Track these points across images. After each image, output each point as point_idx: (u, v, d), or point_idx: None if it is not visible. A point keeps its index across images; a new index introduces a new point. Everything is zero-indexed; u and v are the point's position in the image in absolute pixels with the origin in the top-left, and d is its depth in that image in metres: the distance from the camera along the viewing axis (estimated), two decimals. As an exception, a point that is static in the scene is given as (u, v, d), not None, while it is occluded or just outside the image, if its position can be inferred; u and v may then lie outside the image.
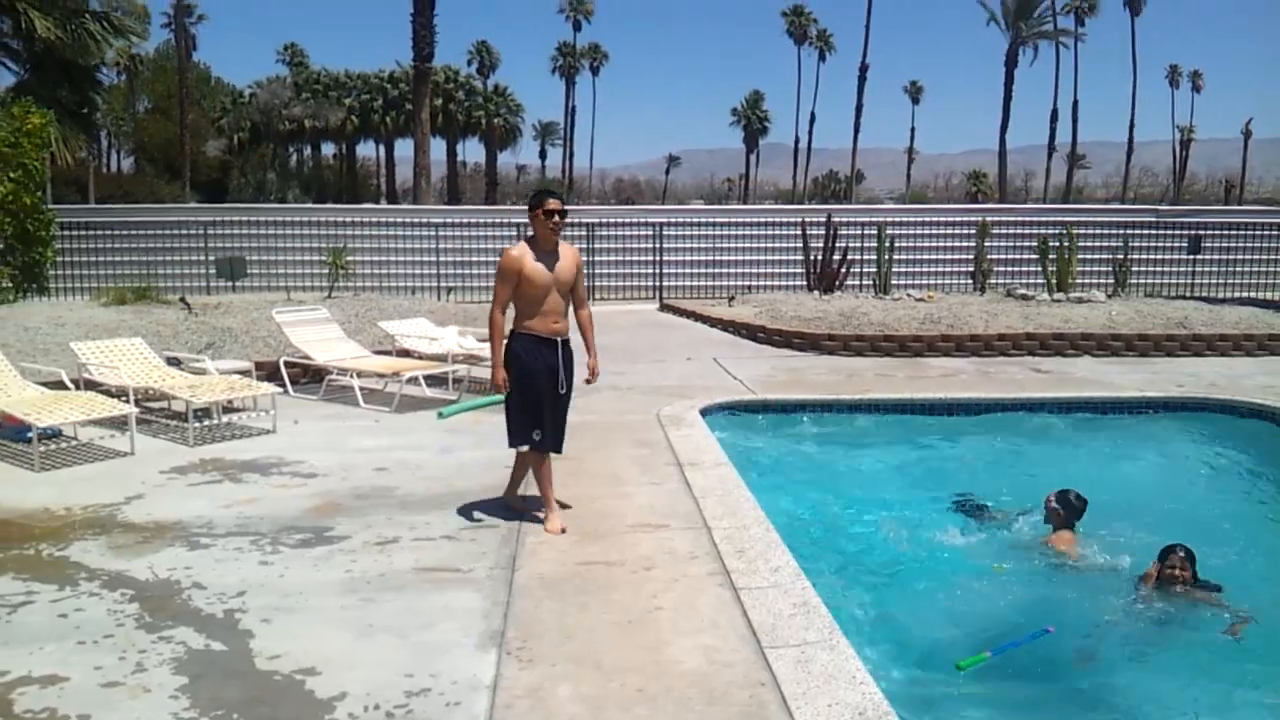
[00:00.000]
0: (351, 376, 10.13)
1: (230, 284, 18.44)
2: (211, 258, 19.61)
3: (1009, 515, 7.44)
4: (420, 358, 10.88)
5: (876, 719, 3.77)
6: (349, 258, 17.77)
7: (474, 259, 20.39)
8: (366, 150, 75.96)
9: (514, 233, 20.04)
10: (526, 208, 6.20)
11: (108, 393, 8.82)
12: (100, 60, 24.35)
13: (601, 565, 5.44)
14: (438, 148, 64.80)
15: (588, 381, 6.52)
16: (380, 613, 4.83)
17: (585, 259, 20.60)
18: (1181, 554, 5.99)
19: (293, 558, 5.59)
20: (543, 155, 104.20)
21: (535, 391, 6.05)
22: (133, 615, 4.80)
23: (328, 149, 74.21)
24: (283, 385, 10.21)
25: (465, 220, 21.21)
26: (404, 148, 60.31)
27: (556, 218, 5.99)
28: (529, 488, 6.44)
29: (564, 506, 6.33)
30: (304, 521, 6.24)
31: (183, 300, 14.82)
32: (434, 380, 10.71)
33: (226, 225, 20.65)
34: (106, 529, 6.11)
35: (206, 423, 9.02)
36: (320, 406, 9.87)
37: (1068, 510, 6.86)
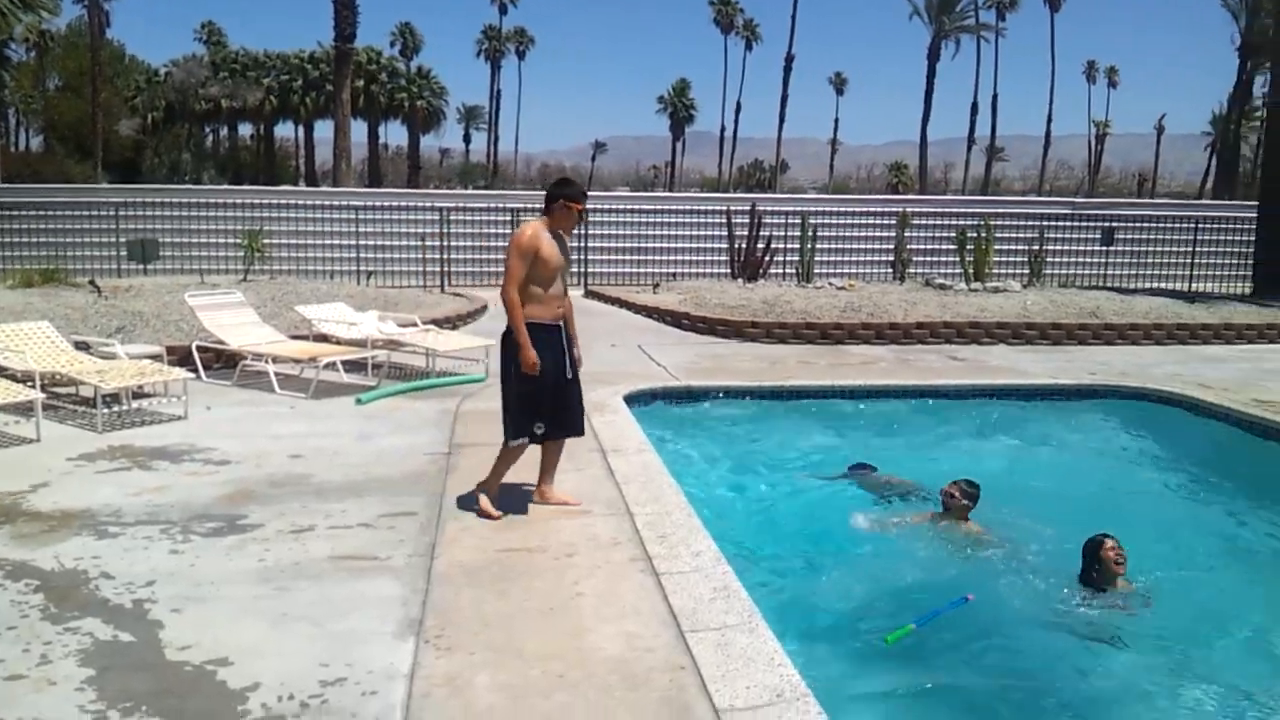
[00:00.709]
0: (267, 362, 9.91)
1: (142, 267, 17.96)
2: (123, 239, 19.07)
3: (911, 489, 7.61)
4: (338, 343, 10.69)
5: (794, 699, 3.80)
6: (265, 240, 17.40)
7: (395, 243, 20.11)
8: (285, 131, 74.55)
9: (436, 216, 19.79)
10: (551, 193, 6.05)
11: (13, 378, 8.51)
12: (8, 36, 23.53)
13: (523, 552, 5.40)
14: (359, 130, 63.89)
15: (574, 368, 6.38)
16: (295, 602, 4.73)
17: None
18: (1109, 543, 5.98)
19: (204, 546, 5.45)
20: (467, 139, 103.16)
21: (541, 383, 5.89)
22: (37, 606, 4.64)
23: (245, 130, 72.61)
24: (195, 370, 9.96)
25: (386, 204, 20.92)
26: (324, 129, 59.29)
27: (581, 215, 6.01)
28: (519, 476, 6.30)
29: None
30: (216, 509, 6.09)
31: (92, 283, 14.37)
32: (353, 366, 10.54)
33: (139, 206, 20.08)
34: (10, 518, 5.89)
35: (116, 409, 8.76)
36: (234, 392, 9.65)
37: (966, 497, 6.93)
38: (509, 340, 5.92)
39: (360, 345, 10.48)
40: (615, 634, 4.40)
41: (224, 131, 71.01)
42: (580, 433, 6.30)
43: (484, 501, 6.08)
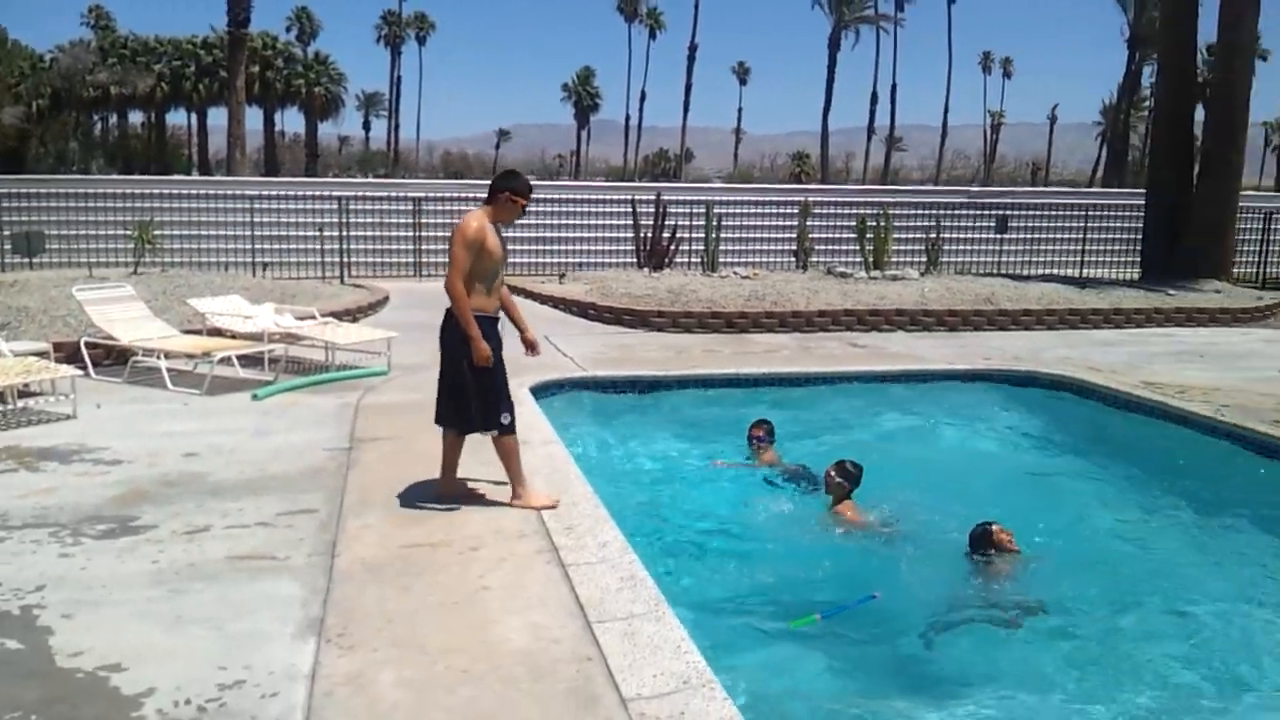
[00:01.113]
0: (159, 357, 9.62)
1: (27, 260, 17.23)
2: (6, 232, 18.26)
3: (802, 474, 7.79)
4: (234, 337, 10.42)
5: (700, 685, 3.84)
6: (157, 232, 16.85)
7: (292, 233, 19.65)
8: (177, 119, 72.41)
9: (335, 206, 19.40)
10: (495, 185, 5.97)
11: (-117, 377, 8.11)
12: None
13: (426, 547, 5.34)
14: (254, 117, 62.36)
15: (533, 354, 6.34)
16: (191, 604, 4.61)
17: (412, 234, 20.22)
18: (995, 527, 6.13)
19: (95, 549, 5.27)
20: (366, 126, 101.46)
21: (497, 371, 5.90)
22: (-86, 616, 4.44)
23: (135, 117, 70.19)
24: (84, 367, 9.60)
25: (283, 193, 20.41)
26: (218, 117, 57.72)
27: (523, 210, 5.99)
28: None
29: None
30: (107, 511, 5.89)
31: (-29, 277, 13.76)
32: (249, 361, 10.27)
33: (23, 198, 19.25)
34: (-119, 525, 5.62)
35: (1, 408, 8.41)
36: (125, 389, 9.34)
37: (847, 479, 7.01)
38: (454, 331, 5.86)
39: (256, 339, 10.23)
40: (521, 626, 4.39)
41: (113, 119, 68.60)
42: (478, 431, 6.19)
43: (531, 500, 5.97)
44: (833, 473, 7.05)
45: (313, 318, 11.37)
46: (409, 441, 7.47)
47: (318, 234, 18.73)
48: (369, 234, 20.21)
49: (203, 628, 4.37)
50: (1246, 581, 6.28)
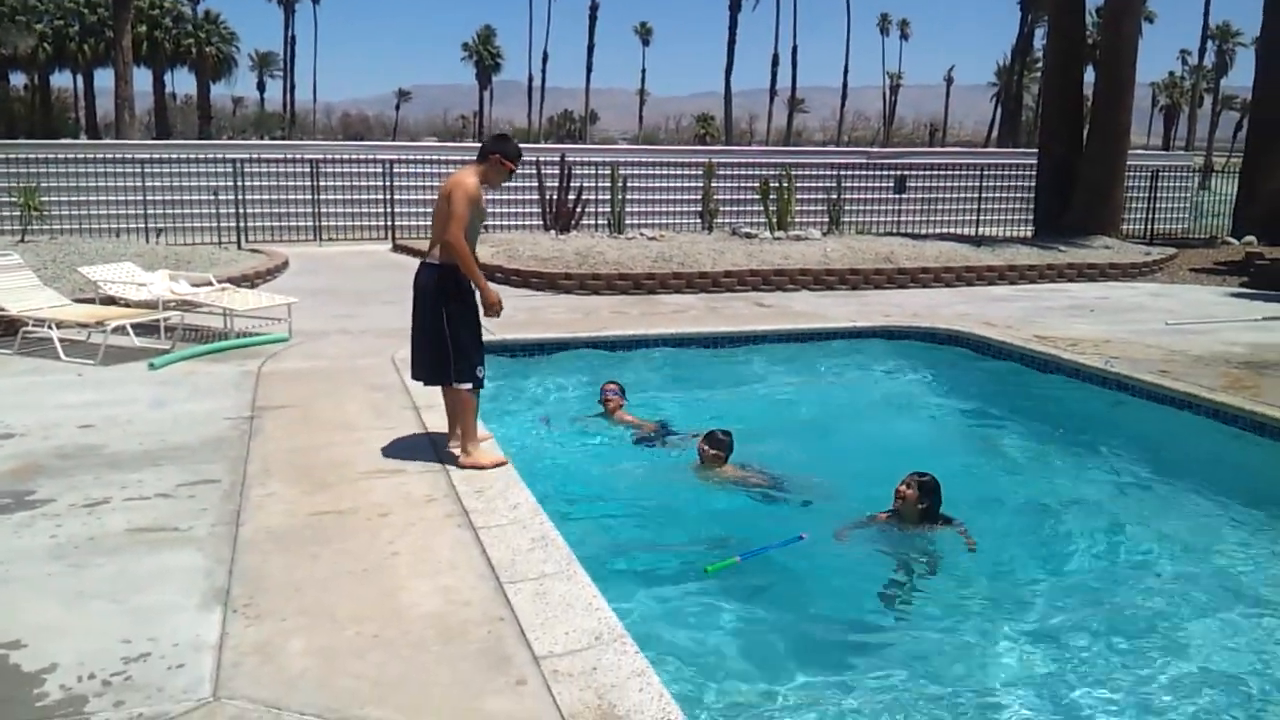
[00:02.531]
0: (50, 327, 9.28)
1: (-100, 227, 16.44)
2: (-125, 198, 17.38)
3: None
4: (127, 305, 10.10)
5: (611, 640, 3.90)
6: (43, 198, 16.21)
7: (186, 198, 19.06)
8: (62, 81, 69.58)
9: (229, 169, 18.85)
10: (486, 147, 6.06)
11: None
12: None
13: (333, 514, 5.29)
14: (143, 78, 60.23)
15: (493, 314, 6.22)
16: (91, 578, 4.51)
17: (310, 198, 19.78)
18: (917, 479, 6.09)
19: (-14, 526, 5.11)
20: (261, 88, 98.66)
21: (476, 325, 6.01)
22: None
23: (17, 79, 67.18)
24: (-32, 339, 9.23)
25: (175, 156, 19.76)
26: (105, 78, 55.44)
27: (511, 174, 6.10)
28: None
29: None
30: (1, 486, 5.69)
31: None
32: (144, 329, 9.97)
33: (-106, 162, 18.33)
34: None
35: (-125, 383, 8.05)
36: (15, 361, 9.00)
37: (720, 449, 7.03)
38: (445, 283, 5.91)
39: (151, 307, 9.94)
40: (432, 590, 4.39)
41: (-9, 81, 65.55)
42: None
43: (482, 458, 6.01)
44: (705, 446, 7.05)
45: (209, 284, 11.07)
46: (312, 409, 7.37)
47: (212, 198, 18.20)
48: (266, 198, 19.69)
49: (105, 601, 4.27)
50: (1132, 518, 6.59)
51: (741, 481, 6.96)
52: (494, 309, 5.99)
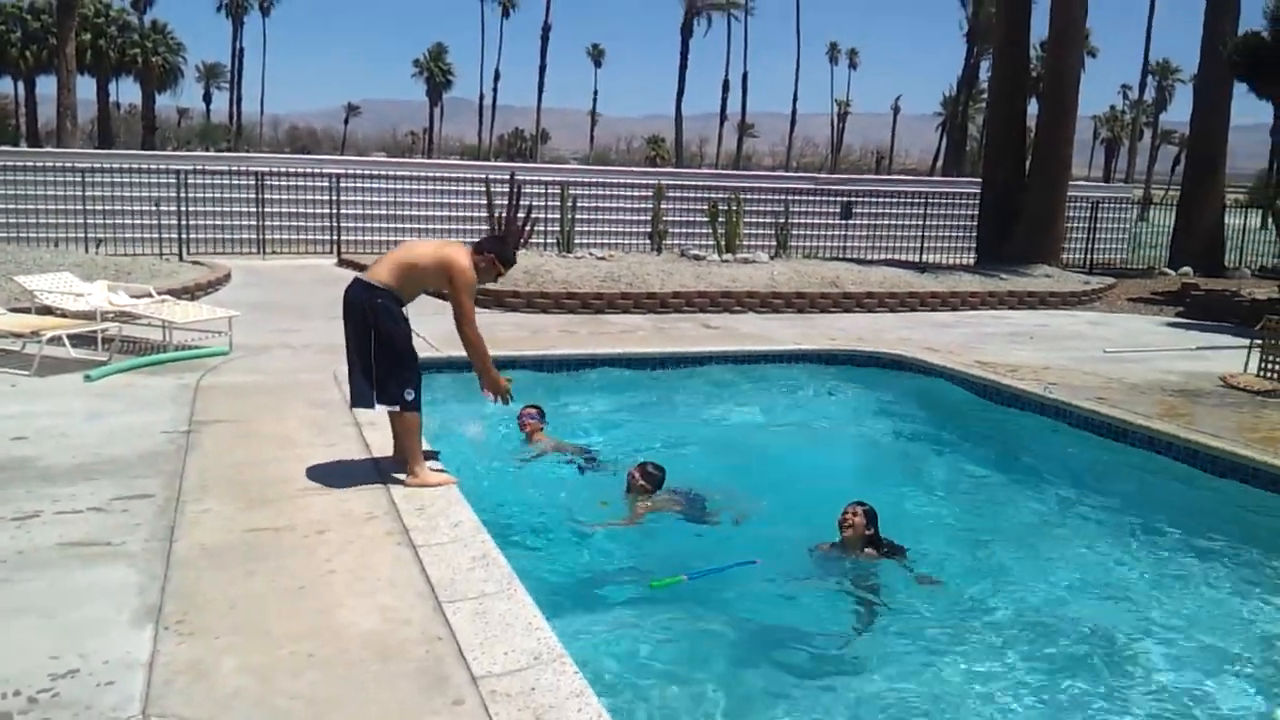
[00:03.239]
0: (-18, 336, 9.07)
1: None
2: None
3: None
4: (64, 315, 9.90)
5: (550, 660, 3.87)
6: (-22, 204, 15.85)
7: (127, 208, 18.74)
8: (3, 87, 68.14)
9: (173, 179, 18.57)
10: (484, 245, 6.29)
11: None
12: None
13: (270, 531, 5.20)
14: (86, 86, 59.26)
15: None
16: (19, 594, 4.39)
17: (255, 210, 19.54)
18: (860, 507, 6.06)
19: (-92, 539, 4.96)
20: (207, 99, 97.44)
21: (404, 347, 5.96)
22: None
23: (-45, 84, 65.81)
24: (-105, 347, 8.99)
25: (117, 165, 19.44)
26: (47, 86, 54.51)
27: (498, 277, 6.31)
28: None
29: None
30: (-77, 499, 5.54)
31: None
32: (81, 340, 9.75)
33: None
34: None
35: None
36: (-57, 370, 8.78)
37: (648, 480, 6.89)
38: (364, 305, 5.88)
39: (89, 318, 9.74)
40: (370, 609, 4.33)
41: (-72, 85, 64.18)
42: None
43: (428, 479, 5.95)
44: (637, 474, 6.90)
45: (149, 296, 10.89)
46: (251, 424, 7.26)
47: (154, 209, 17.92)
48: (209, 209, 19.43)
49: (33, 617, 4.16)
50: (1067, 542, 6.69)
51: (664, 508, 6.80)
52: (497, 393, 6.34)
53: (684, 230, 21.36)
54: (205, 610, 4.27)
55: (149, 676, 3.72)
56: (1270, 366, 10.27)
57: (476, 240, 6.39)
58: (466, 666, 3.84)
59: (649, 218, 19.70)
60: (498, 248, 6.24)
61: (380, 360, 5.88)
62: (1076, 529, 7.00)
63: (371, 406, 6.04)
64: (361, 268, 17.76)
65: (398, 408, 5.94)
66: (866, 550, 6.05)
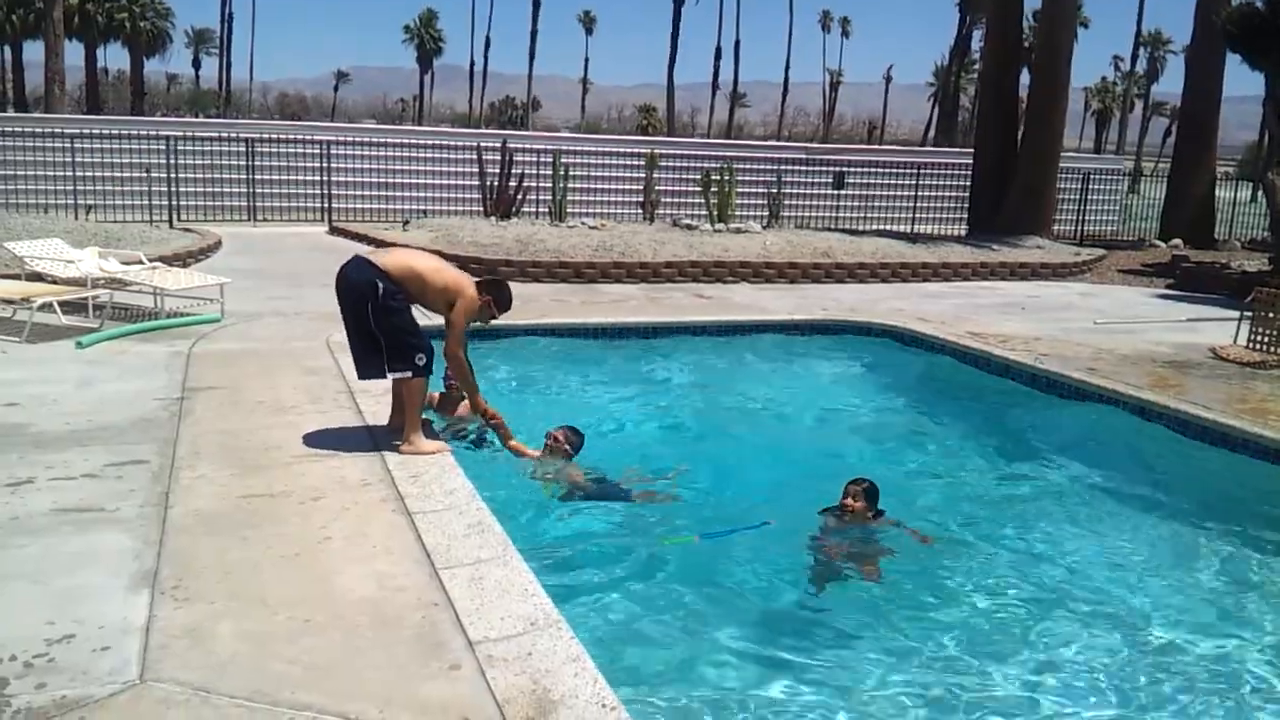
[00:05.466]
0: (-29, 303, 9.02)
1: None
2: None
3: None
4: (55, 282, 9.85)
5: (546, 625, 3.90)
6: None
7: (117, 174, 18.61)
8: (-11, 52, 67.38)
9: (163, 146, 18.44)
10: (483, 285, 6.27)
11: None
12: None
13: (265, 498, 5.21)
14: (74, 52, 58.62)
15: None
16: (13, 559, 4.38)
17: (245, 177, 19.43)
18: (858, 487, 5.97)
19: (-98, 505, 4.95)
20: (196, 65, 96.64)
21: (405, 316, 5.95)
22: None
23: (-59, 49, 65.07)
24: (-116, 313, 8.94)
25: (106, 131, 19.27)
26: (34, 51, 53.83)
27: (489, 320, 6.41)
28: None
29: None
30: (-84, 464, 5.53)
31: None
32: (71, 307, 9.70)
33: None
34: None
35: None
36: (-67, 337, 8.74)
37: (566, 443, 6.70)
38: (355, 286, 5.86)
39: (80, 284, 9.70)
40: (365, 575, 4.35)
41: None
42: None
43: (423, 446, 5.95)
44: (559, 436, 6.72)
45: (140, 262, 10.84)
46: (244, 391, 7.25)
47: (144, 175, 17.79)
48: (199, 176, 19.31)
49: (27, 583, 4.16)
50: (1056, 512, 6.73)
51: (577, 484, 6.61)
52: (488, 416, 6.52)
53: (676, 200, 21.29)
54: (201, 576, 4.28)
55: (145, 641, 3.73)
56: (1260, 338, 10.31)
57: (478, 279, 6.40)
58: (463, 632, 3.86)
59: (641, 187, 19.63)
60: (494, 291, 6.31)
61: (386, 331, 5.89)
62: (1066, 498, 7.04)
63: (383, 377, 6.07)
64: (353, 235, 17.62)
65: (409, 374, 5.97)
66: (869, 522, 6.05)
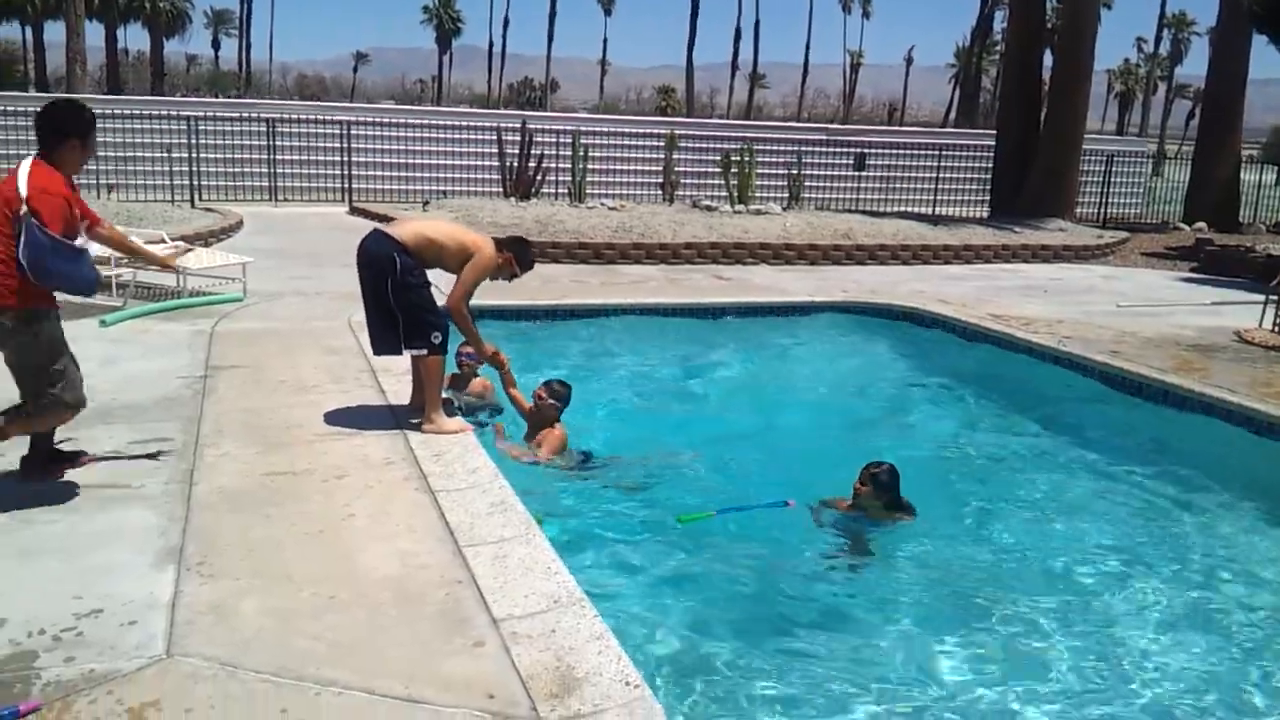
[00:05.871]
0: (-4, 281, 9.07)
1: None
2: None
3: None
4: (79, 261, 9.89)
5: (570, 604, 3.91)
6: (-11, 150, 15.77)
7: (139, 154, 18.67)
8: (10, 32, 67.65)
9: (184, 126, 18.50)
10: (504, 242, 6.38)
11: None
12: None
13: (288, 475, 5.23)
14: (95, 32, 58.78)
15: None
16: (40, 535, 4.43)
17: (266, 157, 19.46)
18: (872, 471, 5.85)
19: (-70, 480, 5.00)
20: (216, 45, 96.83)
21: (423, 294, 5.97)
22: None
23: (-38, 30, 65.33)
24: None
25: (126, 112, 19.31)
26: (55, 32, 53.97)
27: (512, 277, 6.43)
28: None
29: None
30: (-57, 441, 5.56)
31: None
32: (96, 285, 9.78)
33: None
34: None
35: None
36: (-42, 314, 8.79)
37: (551, 398, 6.67)
38: (374, 263, 5.86)
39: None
40: (389, 553, 4.36)
41: (-66, 29, 63.71)
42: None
43: (445, 425, 5.97)
44: (543, 394, 6.68)
45: (162, 241, 10.86)
46: (267, 369, 7.28)
47: (166, 155, 17.86)
48: (220, 156, 19.36)
49: (54, 558, 4.20)
50: (1081, 495, 6.73)
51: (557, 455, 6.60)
52: (491, 361, 6.48)
53: (696, 181, 21.22)
54: (226, 553, 4.31)
55: (171, 617, 3.76)
56: (1286, 322, 10.22)
57: (498, 238, 6.42)
58: (487, 609, 3.87)
59: (661, 168, 19.57)
60: (516, 248, 6.35)
61: (404, 308, 5.89)
62: (1089, 482, 7.01)
63: (398, 353, 6.09)
64: (373, 216, 17.63)
65: (425, 351, 5.97)
66: (886, 512, 5.98)
